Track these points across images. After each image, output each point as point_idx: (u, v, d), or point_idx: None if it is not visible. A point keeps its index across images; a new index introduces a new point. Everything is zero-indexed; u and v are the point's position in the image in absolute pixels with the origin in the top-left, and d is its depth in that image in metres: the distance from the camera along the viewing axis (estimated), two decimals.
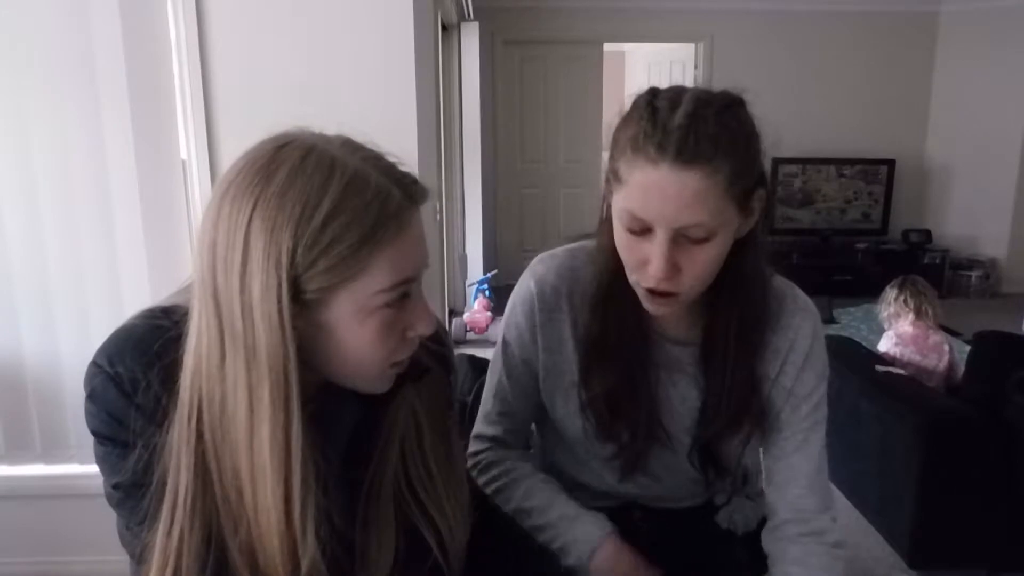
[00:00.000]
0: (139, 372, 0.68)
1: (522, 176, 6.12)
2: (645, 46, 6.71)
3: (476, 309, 4.57)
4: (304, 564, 0.69)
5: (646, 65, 6.85)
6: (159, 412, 0.68)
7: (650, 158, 0.78)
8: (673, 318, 0.95)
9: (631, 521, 1.11)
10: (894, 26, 5.88)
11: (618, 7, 5.74)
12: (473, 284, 4.83)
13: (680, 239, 0.81)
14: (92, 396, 0.70)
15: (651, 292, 0.86)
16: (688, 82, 5.97)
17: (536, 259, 1.05)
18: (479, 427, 1.08)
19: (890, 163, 5.95)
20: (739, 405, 0.95)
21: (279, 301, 0.63)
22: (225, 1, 1.87)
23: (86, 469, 2.04)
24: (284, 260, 0.63)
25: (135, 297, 1.95)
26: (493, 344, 4.10)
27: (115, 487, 0.71)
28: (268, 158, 0.66)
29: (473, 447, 1.08)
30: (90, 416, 0.71)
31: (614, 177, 0.84)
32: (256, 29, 1.89)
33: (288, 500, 0.67)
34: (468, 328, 4.43)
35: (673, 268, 0.82)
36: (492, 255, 5.79)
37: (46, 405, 2.01)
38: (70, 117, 1.86)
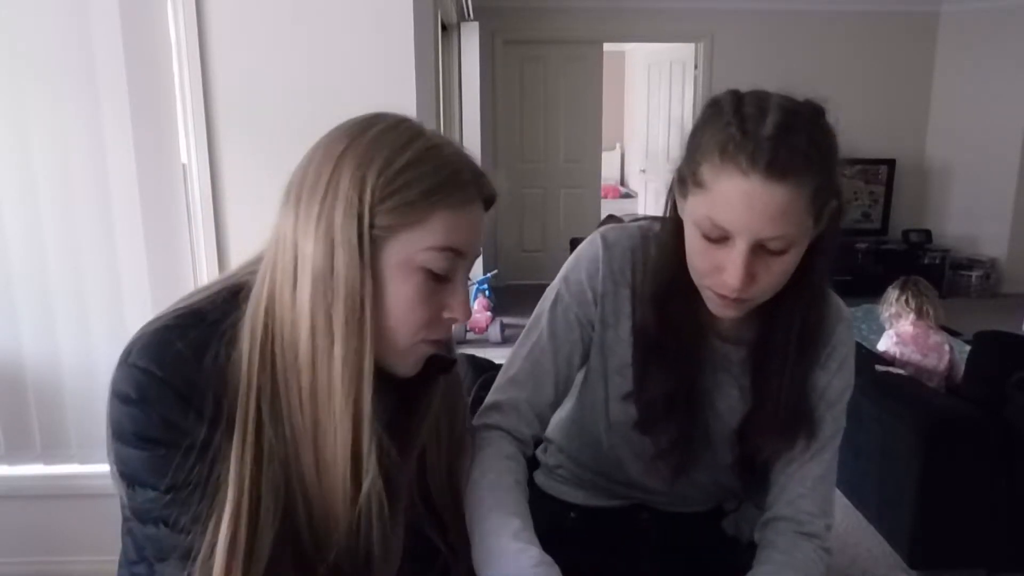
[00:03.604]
0: (191, 375, 0.68)
1: (522, 176, 6.12)
2: (645, 46, 6.71)
3: (476, 309, 4.57)
4: (365, 484, 0.71)
5: (646, 65, 6.86)
6: (218, 412, 0.69)
7: (741, 168, 0.76)
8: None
9: (638, 522, 1.11)
10: (894, 26, 5.88)
11: (618, 7, 5.74)
12: (473, 284, 4.83)
13: (758, 249, 0.79)
14: (143, 401, 0.67)
15: (720, 296, 0.84)
16: (688, 82, 5.98)
17: (607, 227, 1.01)
18: (492, 395, 0.99)
19: (890, 163, 5.95)
20: (792, 414, 0.94)
21: (360, 226, 0.69)
22: (225, 2, 1.87)
23: (86, 469, 2.04)
24: (367, 191, 0.69)
25: (135, 298, 1.95)
26: (493, 344, 4.10)
27: (167, 490, 0.68)
28: (366, 118, 0.74)
29: (478, 420, 0.97)
30: (135, 421, 0.68)
31: (693, 180, 0.81)
32: (256, 30, 1.89)
33: (357, 420, 0.70)
34: (468, 328, 4.43)
35: (750, 278, 0.81)
36: (492, 255, 5.78)
37: (46, 405, 2.01)
38: (70, 118, 1.86)
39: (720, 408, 0.99)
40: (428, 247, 0.71)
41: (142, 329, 0.72)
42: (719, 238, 0.80)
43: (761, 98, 0.81)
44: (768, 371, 0.93)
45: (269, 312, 0.71)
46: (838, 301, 0.99)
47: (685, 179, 0.83)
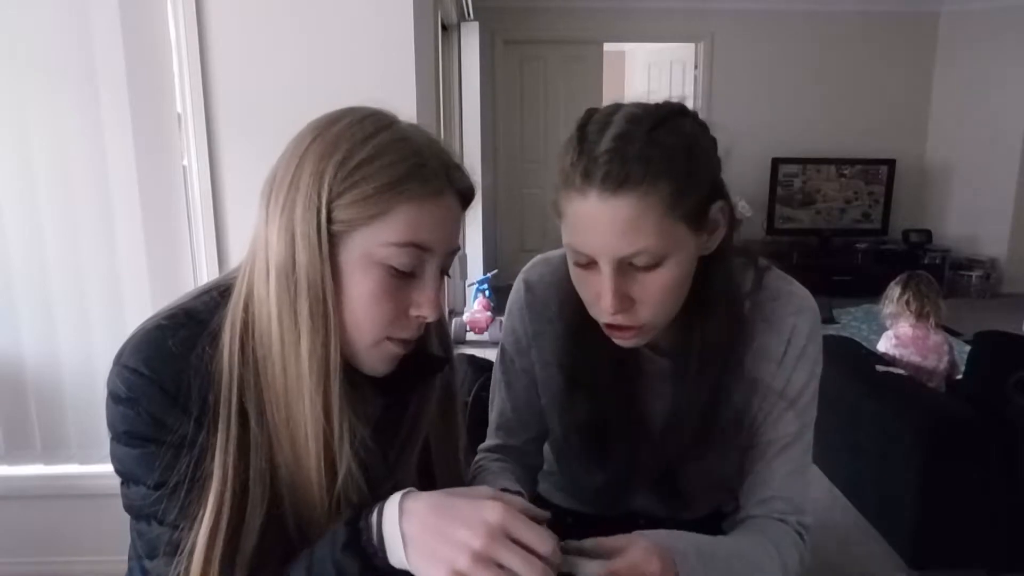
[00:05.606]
0: (179, 373, 0.70)
1: (522, 176, 6.12)
2: (645, 46, 6.70)
3: (476, 309, 4.57)
4: (340, 473, 0.72)
5: (646, 65, 6.85)
6: (204, 409, 0.70)
7: (577, 188, 0.74)
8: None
9: (635, 528, 1.10)
10: (894, 26, 5.88)
11: (618, 7, 5.74)
12: (473, 284, 4.82)
13: (627, 268, 0.76)
14: (132, 400, 0.69)
15: (609, 327, 0.81)
16: (688, 82, 5.97)
17: (531, 263, 1.00)
18: (485, 442, 1.05)
19: (890, 163, 5.95)
20: (701, 425, 0.90)
21: (317, 220, 0.69)
22: (225, 2, 1.87)
23: (86, 469, 2.04)
24: (325, 186, 0.69)
25: (135, 298, 1.95)
26: (493, 344, 4.08)
27: (156, 486, 0.70)
28: (337, 112, 0.74)
29: (475, 459, 1.04)
30: (126, 420, 0.70)
31: (555, 211, 0.80)
32: (256, 30, 1.89)
33: (327, 412, 0.70)
34: (468, 328, 4.43)
35: (625, 300, 0.77)
36: (492, 255, 5.79)
37: (46, 405, 2.01)
38: (70, 119, 1.86)
39: (659, 422, 0.96)
40: (388, 242, 0.70)
41: (136, 329, 0.73)
42: (587, 263, 0.78)
43: (609, 112, 0.78)
44: (680, 385, 0.91)
45: (247, 306, 0.72)
46: (791, 289, 0.93)
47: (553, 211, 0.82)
